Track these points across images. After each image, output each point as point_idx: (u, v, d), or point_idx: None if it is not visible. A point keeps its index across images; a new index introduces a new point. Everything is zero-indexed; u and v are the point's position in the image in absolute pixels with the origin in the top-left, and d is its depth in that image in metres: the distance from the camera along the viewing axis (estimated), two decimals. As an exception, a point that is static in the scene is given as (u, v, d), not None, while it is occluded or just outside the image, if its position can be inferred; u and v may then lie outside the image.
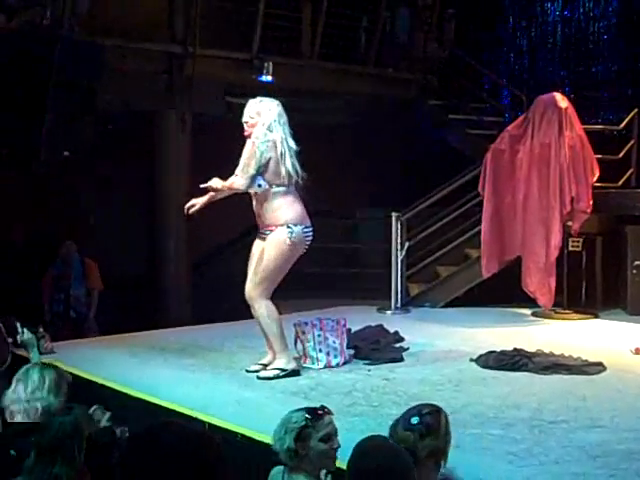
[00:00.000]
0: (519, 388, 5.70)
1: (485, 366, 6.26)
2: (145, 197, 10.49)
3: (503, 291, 8.80)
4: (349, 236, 11.32)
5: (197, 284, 10.34)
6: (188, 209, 6.14)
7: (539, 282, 8.20)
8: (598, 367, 6.15)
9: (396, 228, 8.96)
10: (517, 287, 8.35)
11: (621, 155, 9.04)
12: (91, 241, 9.30)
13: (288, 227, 5.88)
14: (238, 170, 5.92)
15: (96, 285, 8.78)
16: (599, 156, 8.49)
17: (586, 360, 6.27)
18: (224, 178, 6.00)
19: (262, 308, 5.96)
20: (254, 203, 6.02)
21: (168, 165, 10.24)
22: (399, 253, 8.94)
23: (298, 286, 10.13)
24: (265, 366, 6.02)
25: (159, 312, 9.89)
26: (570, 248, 8.64)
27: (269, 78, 10.06)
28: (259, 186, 5.89)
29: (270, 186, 5.88)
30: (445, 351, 6.81)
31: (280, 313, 6.08)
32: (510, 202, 8.41)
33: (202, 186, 5.98)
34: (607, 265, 8.97)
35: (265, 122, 5.90)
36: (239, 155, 6.01)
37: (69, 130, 8.36)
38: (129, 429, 3.42)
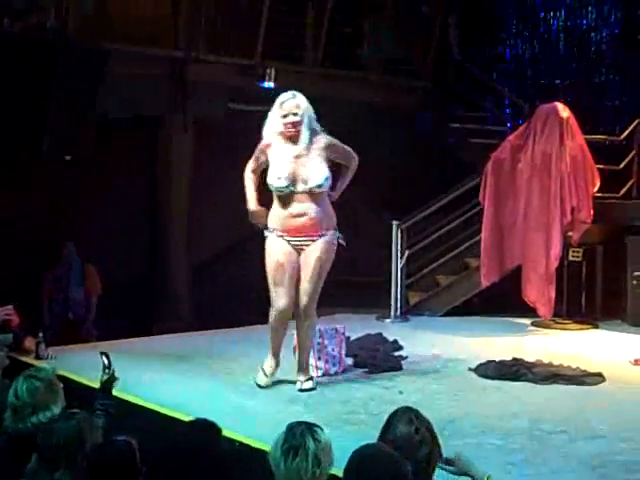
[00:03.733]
0: (518, 398, 5.70)
1: (484, 375, 6.25)
2: (147, 201, 10.49)
3: (503, 300, 8.79)
4: (349, 244, 11.30)
5: (197, 290, 10.33)
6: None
7: (539, 292, 8.19)
8: (597, 378, 6.15)
9: (396, 236, 8.95)
10: (517, 297, 8.33)
11: (622, 165, 9.03)
12: (91, 244, 9.28)
13: (337, 230, 5.75)
14: (348, 157, 5.76)
15: (94, 290, 8.78)
16: (600, 166, 8.50)
17: (585, 370, 6.27)
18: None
19: (315, 318, 5.86)
20: (303, 204, 5.56)
21: (170, 169, 10.26)
22: (399, 261, 8.93)
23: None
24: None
25: (158, 317, 9.88)
26: (570, 258, 8.63)
27: (271, 84, 10.07)
28: (320, 186, 5.60)
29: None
30: (444, 360, 6.79)
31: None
32: (510, 211, 8.41)
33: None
34: (607, 275, 8.96)
35: (312, 117, 5.66)
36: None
37: (71, 133, 8.38)
38: (128, 436, 3.40)
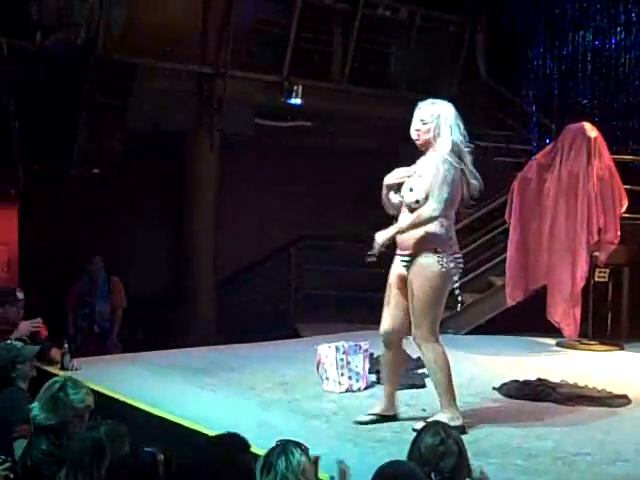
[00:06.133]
0: (542, 419, 5.64)
1: (508, 395, 6.21)
2: (173, 215, 10.55)
3: (527, 320, 8.72)
4: (370, 262, 11.30)
5: (222, 304, 10.37)
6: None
7: (564, 312, 8.14)
8: (623, 400, 6.09)
9: (421, 254, 8.91)
10: (542, 316, 8.28)
11: (650, 186, 8.97)
12: (118, 258, 9.35)
13: (436, 254, 5.39)
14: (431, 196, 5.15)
15: (120, 304, 8.82)
16: (628, 187, 8.44)
17: (611, 392, 6.21)
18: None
19: (429, 352, 5.29)
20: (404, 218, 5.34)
21: (196, 184, 10.32)
22: (423, 279, 8.88)
23: (321, 309, 10.15)
24: (380, 416, 5.32)
25: (183, 331, 9.91)
26: (596, 279, 8.57)
27: (298, 101, 10.12)
28: (417, 202, 5.29)
29: None
30: (467, 379, 6.74)
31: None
32: (537, 231, 8.37)
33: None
34: (633, 296, 8.89)
35: (439, 126, 5.30)
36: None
37: (99, 147, 8.47)
38: (151, 447, 3.40)
